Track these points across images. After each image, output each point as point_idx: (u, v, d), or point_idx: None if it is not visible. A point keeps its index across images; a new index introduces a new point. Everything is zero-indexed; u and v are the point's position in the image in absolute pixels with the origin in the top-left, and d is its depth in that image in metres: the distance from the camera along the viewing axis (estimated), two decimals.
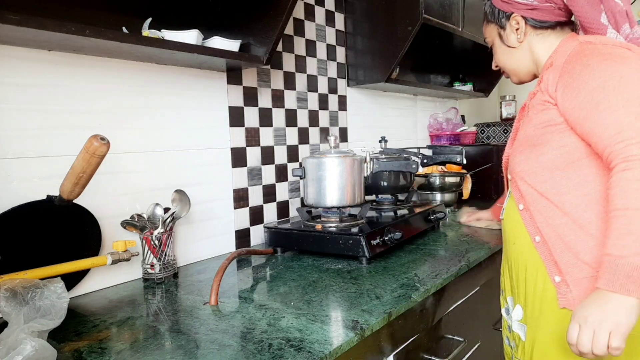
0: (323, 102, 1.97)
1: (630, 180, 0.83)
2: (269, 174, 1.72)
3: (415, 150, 2.42)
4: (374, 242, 1.35)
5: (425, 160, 1.61)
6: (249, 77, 1.63)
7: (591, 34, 1.02)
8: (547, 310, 1.00)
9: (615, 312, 0.81)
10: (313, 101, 1.92)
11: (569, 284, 0.96)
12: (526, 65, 1.12)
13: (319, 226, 1.44)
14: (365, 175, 1.54)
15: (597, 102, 0.89)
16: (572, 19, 1.07)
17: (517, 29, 1.09)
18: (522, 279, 1.06)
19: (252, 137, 1.65)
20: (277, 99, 1.75)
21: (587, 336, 0.83)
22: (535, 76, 1.14)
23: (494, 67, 1.23)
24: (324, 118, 1.98)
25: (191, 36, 1.27)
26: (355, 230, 1.38)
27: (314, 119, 1.93)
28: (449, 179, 2.22)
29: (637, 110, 0.86)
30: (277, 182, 1.76)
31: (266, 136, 1.71)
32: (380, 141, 1.78)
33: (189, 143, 1.44)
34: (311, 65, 1.90)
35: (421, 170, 1.61)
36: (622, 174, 0.84)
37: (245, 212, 1.64)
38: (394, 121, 2.46)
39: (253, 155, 1.66)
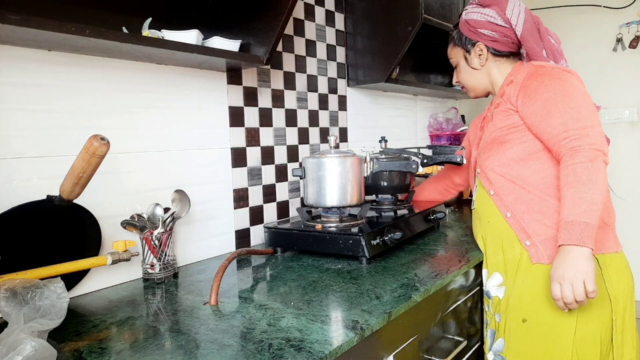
0: (323, 102, 1.97)
1: (577, 162, 1.09)
2: (269, 174, 1.72)
3: (415, 150, 2.41)
4: (374, 242, 1.35)
5: (425, 160, 1.60)
6: (249, 77, 1.63)
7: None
8: (522, 268, 1.23)
9: (580, 263, 1.04)
10: (313, 101, 1.92)
11: (537, 244, 1.21)
12: (483, 84, 1.40)
13: (319, 226, 1.44)
14: (365, 175, 1.54)
15: (548, 110, 1.17)
16: (520, 51, 1.37)
17: (480, 55, 1.36)
18: (499, 249, 1.30)
19: (252, 137, 1.65)
20: (277, 99, 1.75)
21: (568, 290, 1.05)
22: (488, 92, 1.43)
23: (454, 82, 1.51)
24: (324, 118, 1.98)
25: (191, 36, 1.27)
26: (355, 230, 1.38)
27: (314, 119, 1.93)
28: None
29: (577, 115, 1.13)
30: (277, 182, 1.76)
31: (266, 136, 1.71)
32: (380, 141, 1.78)
33: (189, 143, 1.44)
34: (311, 65, 1.90)
35: (421, 170, 1.61)
36: (570, 159, 1.11)
37: (245, 212, 1.64)
38: (394, 121, 2.46)
39: (253, 155, 1.66)
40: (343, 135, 2.10)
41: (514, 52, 1.36)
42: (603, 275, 1.17)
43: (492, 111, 1.35)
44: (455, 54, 1.44)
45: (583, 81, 1.25)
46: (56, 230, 1.10)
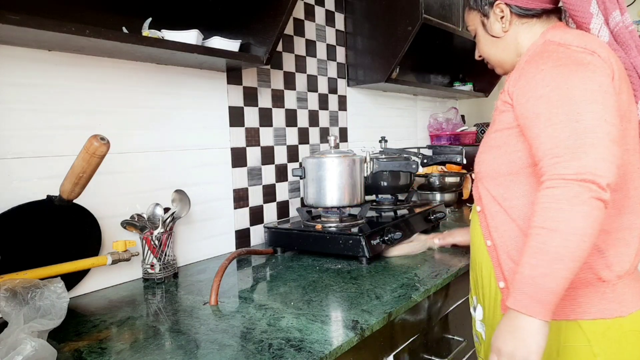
0: (323, 102, 1.97)
1: (551, 199, 0.79)
2: (269, 174, 1.72)
3: (415, 150, 2.42)
4: (374, 242, 1.35)
5: (425, 160, 1.60)
6: (249, 77, 1.63)
7: (576, 23, 0.97)
8: (499, 313, 0.99)
9: (524, 339, 0.79)
10: (313, 101, 1.92)
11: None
12: (511, 57, 1.05)
13: (319, 226, 1.44)
14: (365, 175, 1.54)
15: (538, 113, 0.85)
16: (559, 5, 1.02)
17: (502, 17, 1.02)
18: (479, 280, 1.05)
19: (252, 137, 1.65)
20: (277, 99, 1.75)
21: None
22: None
23: (477, 57, 1.17)
24: (324, 118, 1.98)
25: (191, 36, 1.27)
26: (355, 230, 1.38)
27: (314, 119, 1.93)
28: (449, 179, 2.22)
29: (575, 126, 0.80)
30: (277, 182, 1.76)
31: (266, 136, 1.71)
32: (380, 141, 1.78)
33: (189, 143, 1.44)
34: (311, 65, 1.90)
35: (421, 170, 1.61)
36: (545, 191, 0.81)
37: (245, 212, 1.64)
38: (394, 121, 2.46)
39: (253, 155, 1.66)
40: (343, 135, 2.10)
41: (548, 10, 1.00)
42: (593, 349, 0.88)
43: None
44: (471, 20, 1.11)
45: (618, 67, 0.88)
46: (56, 230, 1.10)
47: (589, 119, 0.80)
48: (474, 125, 2.85)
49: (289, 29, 1.79)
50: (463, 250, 1.45)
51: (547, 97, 0.84)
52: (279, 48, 1.74)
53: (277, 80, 1.74)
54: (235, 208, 1.60)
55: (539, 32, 1.00)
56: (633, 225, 0.90)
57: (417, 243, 1.47)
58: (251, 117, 1.64)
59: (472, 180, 2.42)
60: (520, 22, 1.01)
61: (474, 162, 1.08)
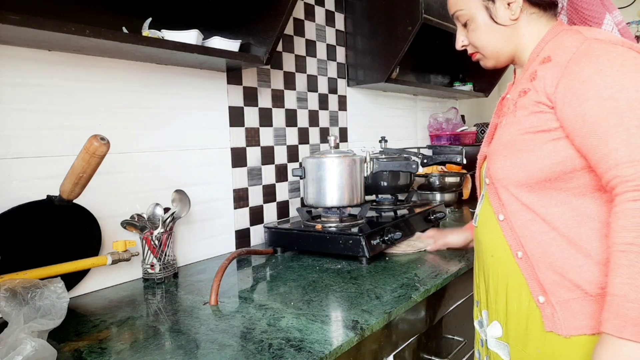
0: (323, 102, 1.97)
1: None
2: (269, 174, 1.72)
3: (415, 150, 2.42)
4: (374, 242, 1.35)
5: (425, 160, 1.60)
6: (249, 77, 1.63)
7: (582, 19, 0.95)
8: (534, 330, 0.91)
9: None
10: (313, 101, 1.92)
11: (554, 305, 0.88)
12: (510, 48, 0.98)
13: (319, 226, 1.44)
14: (365, 175, 1.54)
15: (605, 116, 0.78)
16: (558, 2, 0.97)
17: (511, 3, 0.94)
18: (502, 295, 0.97)
19: (252, 137, 1.65)
20: (277, 99, 1.75)
21: None
22: (512, 61, 1.01)
23: (459, 47, 1.05)
24: (324, 118, 1.98)
25: (191, 36, 1.27)
26: (355, 230, 1.38)
27: (314, 119, 1.93)
28: (449, 179, 2.22)
29: None
30: (277, 182, 1.76)
31: (266, 136, 1.71)
32: (380, 141, 1.78)
33: (189, 143, 1.44)
34: (311, 65, 1.90)
35: (421, 170, 1.61)
36: (632, 204, 0.75)
37: (245, 212, 1.64)
38: (394, 121, 2.46)
39: (253, 155, 1.66)
40: (343, 135, 2.10)
41: (552, 3, 0.95)
42: None
43: (514, 97, 0.94)
44: (466, 4, 0.98)
45: None
46: (56, 230, 1.10)
47: None
48: (474, 125, 2.85)
49: (289, 29, 1.79)
50: (463, 250, 1.45)
51: (614, 99, 0.78)
52: (279, 48, 1.74)
53: (277, 80, 1.74)
54: (235, 208, 1.60)
55: (544, 27, 0.95)
56: None
57: (417, 242, 1.48)
58: (251, 117, 1.64)
59: (472, 180, 2.43)
60: (529, 12, 0.94)
61: (490, 166, 0.98)
